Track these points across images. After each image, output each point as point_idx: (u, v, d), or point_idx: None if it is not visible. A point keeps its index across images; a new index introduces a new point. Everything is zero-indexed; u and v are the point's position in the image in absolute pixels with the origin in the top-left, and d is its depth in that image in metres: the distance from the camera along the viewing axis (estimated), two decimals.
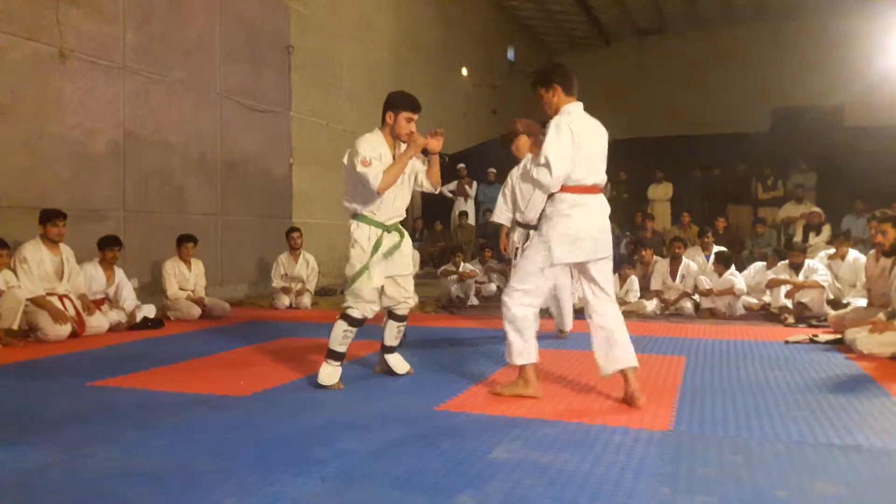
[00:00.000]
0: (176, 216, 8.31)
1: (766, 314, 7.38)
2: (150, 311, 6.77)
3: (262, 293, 9.24)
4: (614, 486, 2.44)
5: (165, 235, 7.81)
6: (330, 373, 3.99)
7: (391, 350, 4.36)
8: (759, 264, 8.40)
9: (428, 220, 13.24)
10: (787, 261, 7.46)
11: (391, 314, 4.27)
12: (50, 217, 5.98)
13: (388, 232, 4.05)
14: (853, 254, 7.98)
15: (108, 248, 6.57)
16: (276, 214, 10.04)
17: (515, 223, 5.67)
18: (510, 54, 18.96)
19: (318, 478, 2.53)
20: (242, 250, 9.43)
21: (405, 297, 4.23)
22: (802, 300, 7.02)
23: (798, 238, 10.13)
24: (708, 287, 7.63)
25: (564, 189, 3.63)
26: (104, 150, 7.45)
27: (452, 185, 12.66)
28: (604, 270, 3.73)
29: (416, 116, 4.01)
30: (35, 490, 2.46)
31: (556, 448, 2.85)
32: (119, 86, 7.62)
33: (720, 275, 7.65)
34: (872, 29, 14.73)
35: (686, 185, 13.48)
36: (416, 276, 9.15)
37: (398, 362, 4.37)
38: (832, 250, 8.37)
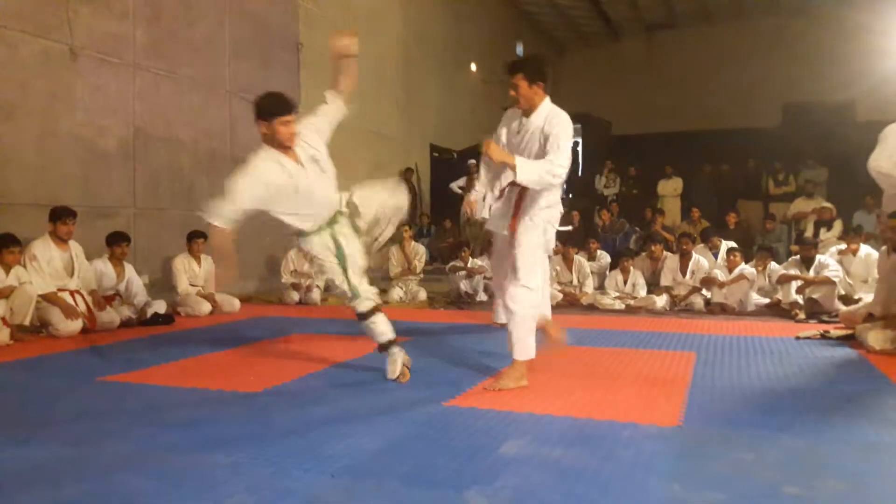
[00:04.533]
0: (186, 213, 8.33)
1: (777, 310, 7.34)
2: (160, 306, 6.80)
3: (271, 289, 9.27)
4: (624, 482, 2.43)
5: (175, 232, 7.84)
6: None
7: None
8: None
9: (436, 216, 13.23)
10: (797, 256, 7.42)
11: None
12: (60, 215, 6.02)
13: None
14: (865, 249, 7.91)
15: (116, 244, 6.61)
16: None
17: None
18: (519, 50, 18.90)
19: (328, 473, 2.53)
20: (252, 246, 9.44)
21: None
22: (813, 296, 6.98)
23: (809, 234, 10.07)
24: (722, 279, 7.57)
25: None
26: (114, 147, 7.48)
27: (461, 181, 12.62)
28: None
29: (292, 118, 3.72)
30: (46, 485, 2.47)
31: (566, 444, 2.84)
32: (129, 83, 7.65)
33: (731, 269, 7.61)
34: (883, 23, 14.59)
35: (696, 181, 13.42)
36: (425, 272, 9.26)
37: None
38: (843, 246, 8.32)
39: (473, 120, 15.61)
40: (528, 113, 3.91)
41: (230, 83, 9.03)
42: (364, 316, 3.98)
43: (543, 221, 3.93)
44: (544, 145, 3.80)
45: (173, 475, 2.53)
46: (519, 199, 3.97)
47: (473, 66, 16.25)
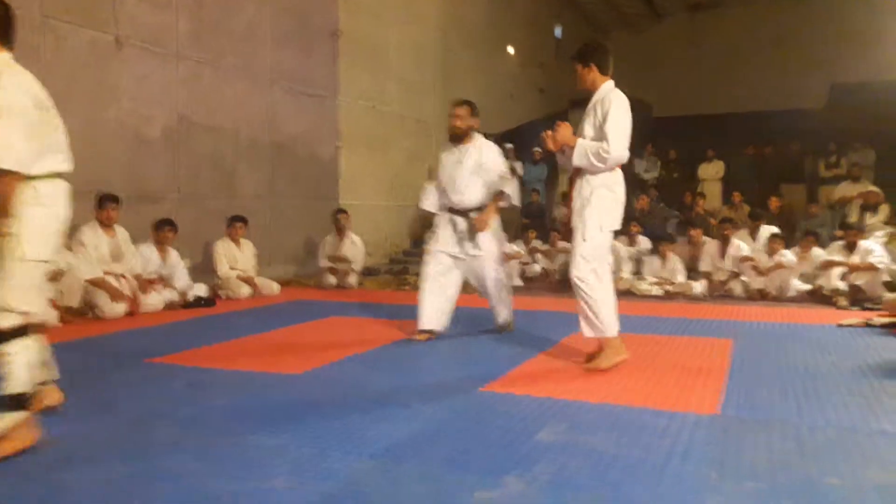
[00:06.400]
0: (227, 199, 8.49)
1: (818, 297, 7.21)
2: (202, 290, 6.97)
3: (309, 273, 9.40)
4: (661, 470, 2.44)
5: (217, 218, 7.99)
6: None
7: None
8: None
9: None
10: (841, 241, 7.27)
11: None
12: (102, 202, 6.23)
13: None
14: None
15: (161, 229, 6.78)
16: (324, 196, 10.16)
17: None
18: (557, 32, 18.69)
19: (367, 455, 2.59)
20: (290, 231, 9.58)
21: None
22: (857, 283, 6.84)
23: (854, 218, 9.82)
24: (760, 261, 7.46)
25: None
26: (159, 135, 7.63)
27: None
28: None
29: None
30: (97, 464, 2.56)
31: (603, 431, 2.86)
32: (172, 72, 7.78)
33: (772, 255, 7.49)
34: None
35: (737, 164, 13.16)
36: None
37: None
38: (890, 230, 8.11)
39: (512, 103, 15.52)
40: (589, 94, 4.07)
41: (271, 71, 9.13)
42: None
43: (597, 216, 3.93)
44: (595, 124, 3.93)
45: (218, 456, 2.61)
46: (573, 177, 4.09)
47: (511, 50, 16.11)
